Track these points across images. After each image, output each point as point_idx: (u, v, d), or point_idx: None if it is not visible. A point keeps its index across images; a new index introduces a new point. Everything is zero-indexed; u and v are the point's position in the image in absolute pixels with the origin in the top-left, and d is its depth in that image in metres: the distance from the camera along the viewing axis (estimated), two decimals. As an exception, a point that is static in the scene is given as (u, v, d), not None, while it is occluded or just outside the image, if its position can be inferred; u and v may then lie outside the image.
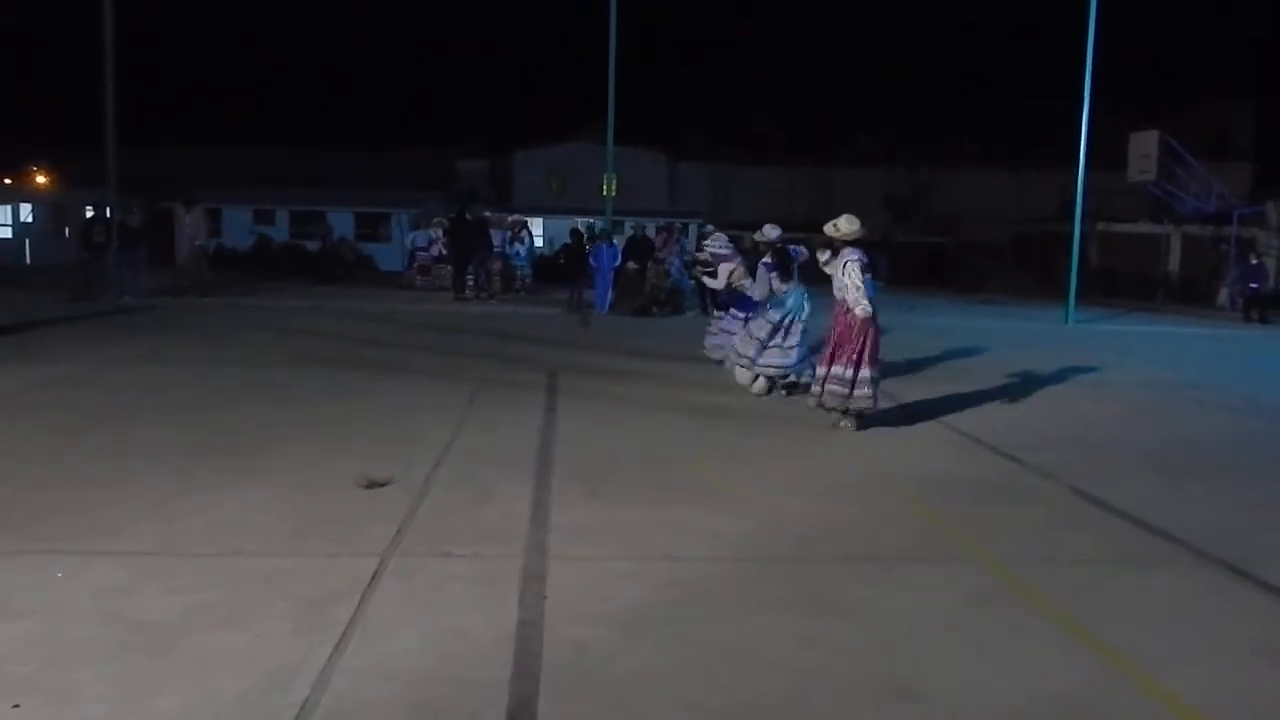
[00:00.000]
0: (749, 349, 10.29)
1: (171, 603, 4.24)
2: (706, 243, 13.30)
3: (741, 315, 11.56)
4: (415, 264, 25.60)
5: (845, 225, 8.63)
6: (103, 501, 5.69)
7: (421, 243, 25.71)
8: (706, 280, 13.01)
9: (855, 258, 8.43)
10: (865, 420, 8.61)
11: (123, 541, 5.02)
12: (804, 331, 10.12)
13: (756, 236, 10.88)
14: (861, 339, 8.40)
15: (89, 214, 20.10)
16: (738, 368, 10.56)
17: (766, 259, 10.49)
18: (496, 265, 23.24)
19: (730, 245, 12.68)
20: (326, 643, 3.89)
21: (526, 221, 27.33)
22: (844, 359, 8.40)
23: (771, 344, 10.10)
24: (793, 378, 10.13)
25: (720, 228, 15.33)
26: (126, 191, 22.26)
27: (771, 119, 50.98)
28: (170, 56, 52.19)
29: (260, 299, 20.69)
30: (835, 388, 8.42)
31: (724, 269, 12.10)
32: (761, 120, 50.59)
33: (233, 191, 36.41)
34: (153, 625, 4.01)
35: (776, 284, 10.29)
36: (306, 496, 5.93)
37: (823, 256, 8.84)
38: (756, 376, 10.23)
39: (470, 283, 22.63)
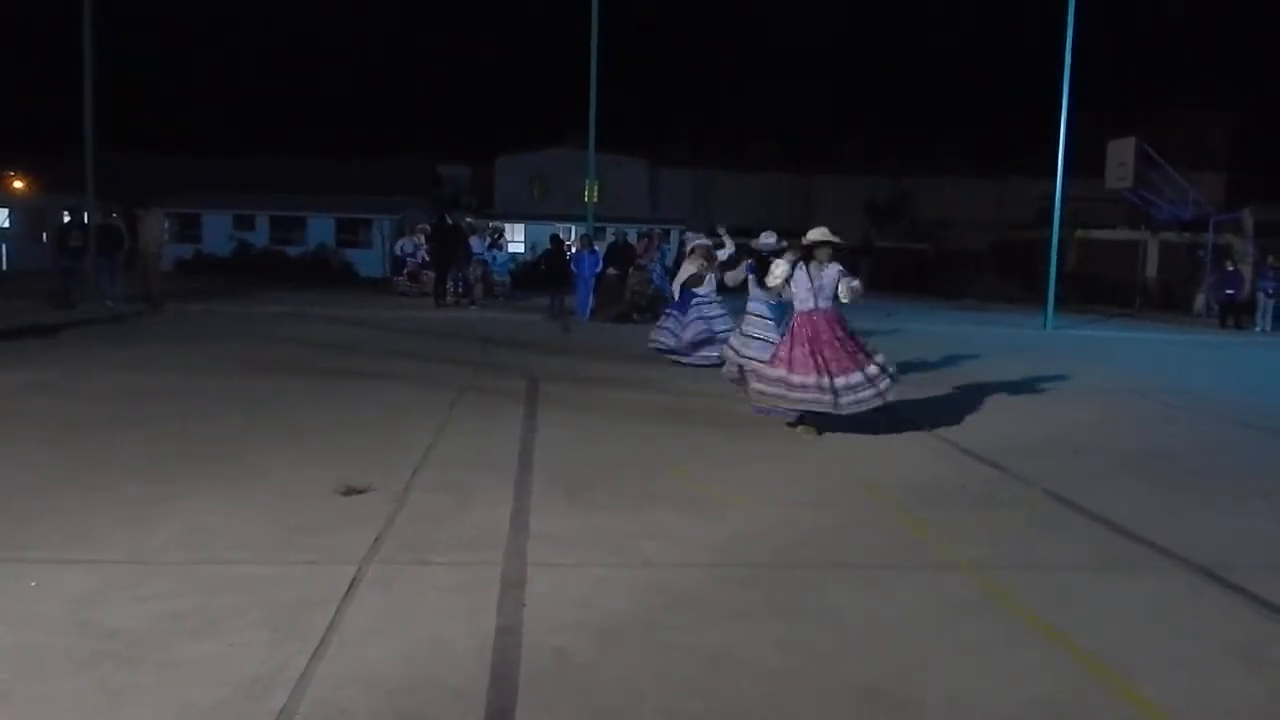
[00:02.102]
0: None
1: (146, 611, 4.19)
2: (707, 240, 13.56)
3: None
4: (405, 270, 25.63)
5: (815, 235, 8.73)
6: (77, 508, 5.63)
7: (409, 249, 25.75)
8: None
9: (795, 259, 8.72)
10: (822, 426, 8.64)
11: (97, 549, 4.97)
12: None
13: (753, 244, 10.90)
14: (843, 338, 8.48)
15: (66, 219, 19.91)
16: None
17: (750, 262, 10.63)
18: (477, 271, 23.23)
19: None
20: (303, 651, 3.85)
21: (503, 228, 27.34)
22: (839, 365, 8.40)
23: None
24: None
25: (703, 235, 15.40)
26: (106, 197, 22.12)
27: (754, 126, 51.17)
28: (151, 62, 51.98)
29: (240, 305, 20.60)
30: (864, 394, 8.41)
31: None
32: (744, 127, 50.77)
33: (212, 197, 36.26)
34: (127, 634, 3.96)
35: (754, 289, 10.37)
36: (284, 503, 5.89)
37: (778, 278, 8.89)
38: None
39: (451, 289, 22.63)
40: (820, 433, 8.58)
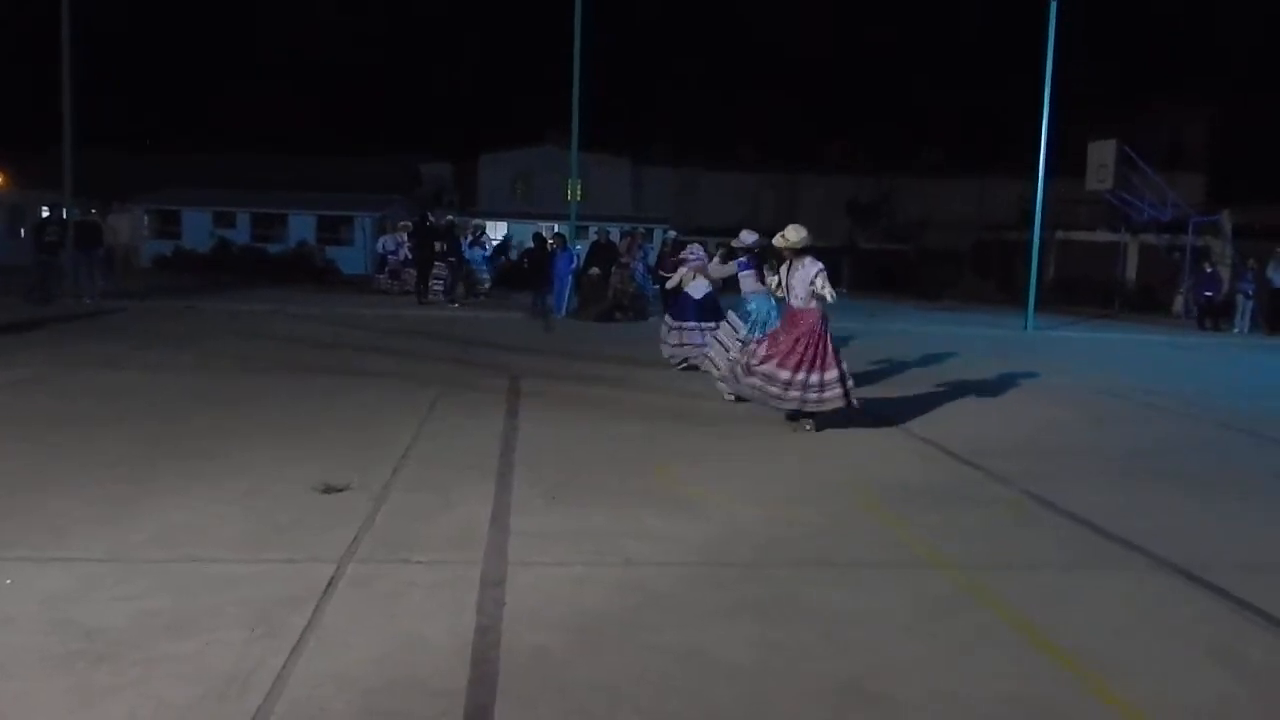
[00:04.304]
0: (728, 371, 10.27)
1: (123, 609, 4.16)
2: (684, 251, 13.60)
3: (678, 323, 12.11)
4: (386, 268, 25.57)
5: (793, 235, 8.74)
6: (54, 506, 5.58)
7: (390, 247, 25.69)
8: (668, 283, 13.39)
9: (822, 266, 8.62)
10: (822, 421, 8.69)
11: (74, 547, 4.93)
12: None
13: (734, 243, 10.96)
14: (820, 340, 8.51)
15: (44, 214, 19.76)
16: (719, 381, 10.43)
17: (743, 259, 10.65)
18: (461, 270, 23.18)
19: (700, 253, 12.95)
20: (281, 650, 3.83)
21: (485, 226, 27.31)
22: (808, 364, 8.46)
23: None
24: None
25: (685, 234, 15.48)
26: (84, 193, 21.96)
27: (737, 126, 51.21)
28: (131, 59, 51.56)
29: (220, 303, 20.48)
30: (801, 394, 8.47)
31: (679, 272, 12.62)
32: (727, 126, 50.81)
33: (192, 193, 36.02)
34: (103, 632, 3.94)
35: (753, 283, 10.39)
36: (263, 501, 5.86)
37: (772, 281, 8.98)
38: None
39: (437, 288, 22.59)
40: (820, 428, 8.65)
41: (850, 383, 8.64)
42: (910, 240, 42.08)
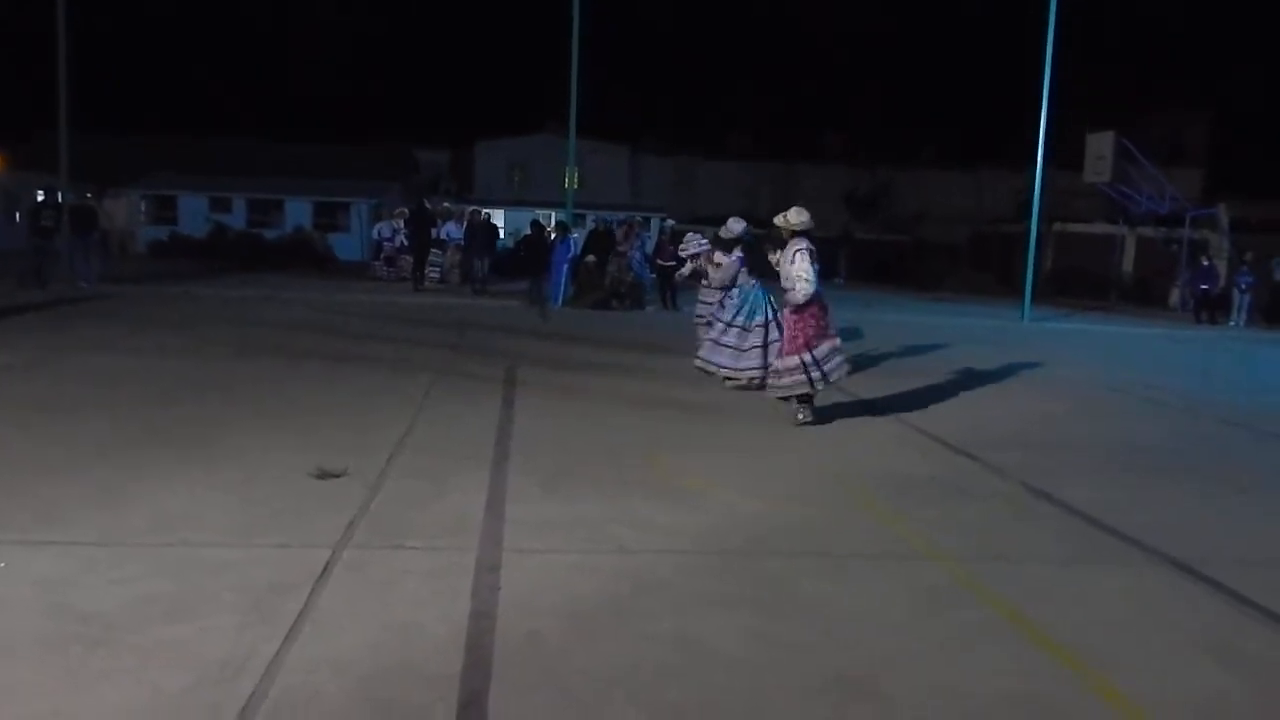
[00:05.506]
0: (712, 354, 10.20)
1: (117, 594, 4.14)
2: (683, 248, 13.23)
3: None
4: (382, 255, 25.55)
5: (794, 217, 8.72)
6: (48, 491, 5.55)
7: (386, 233, 25.66)
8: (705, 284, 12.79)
9: (803, 246, 8.56)
10: (820, 413, 8.67)
11: (68, 531, 4.91)
12: (766, 330, 9.98)
13: (721, 233, 10.89)
14: (806, 324, 8.50)
15: (40, 198, 19.68)
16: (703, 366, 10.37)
17: (738, 251, 10.50)
18: (455, 257, 23.11)
19: (705, 242, 12.69)
20: (275, 635, 3.81)
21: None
22: (797, 347, 8.48)
23: (729, 345, 10.01)
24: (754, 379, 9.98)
25: (682, 222, 15.38)
26: (80, 177, 21.88)
27: (735, 115, 51.17)
28: (128, 42, 51.38)
29: (216, 288, 20.42)
30: (798, 376, 8.47)
31: (726, 262, 12.05)
32: (725, 116, 50.80)
33: (188, 178, 35.94)
34: (97, 617, 3.91)
35: (743, 277, 10.29)
36: (257, 487, 5.83)
37: (774, 256, 8.92)
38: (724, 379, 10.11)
39: (433, 275, 22.52)
40: (818, 420, 8.62)
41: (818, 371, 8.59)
42: (908, 232, 42.12)
